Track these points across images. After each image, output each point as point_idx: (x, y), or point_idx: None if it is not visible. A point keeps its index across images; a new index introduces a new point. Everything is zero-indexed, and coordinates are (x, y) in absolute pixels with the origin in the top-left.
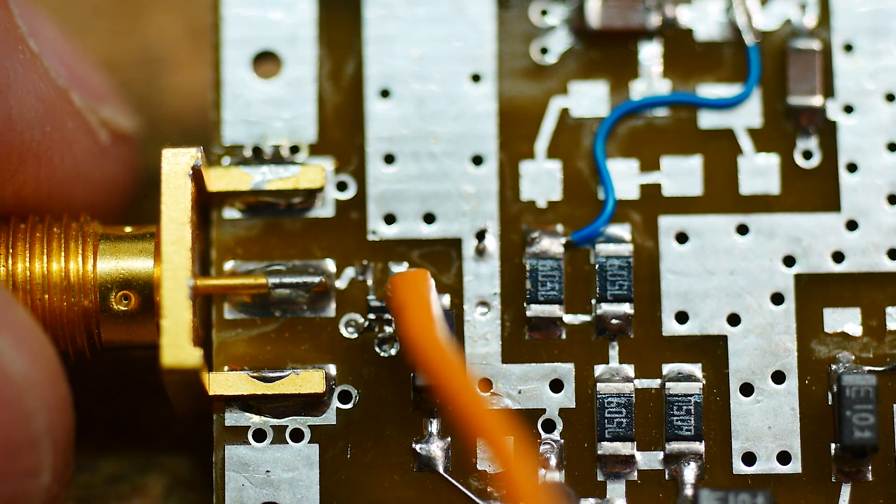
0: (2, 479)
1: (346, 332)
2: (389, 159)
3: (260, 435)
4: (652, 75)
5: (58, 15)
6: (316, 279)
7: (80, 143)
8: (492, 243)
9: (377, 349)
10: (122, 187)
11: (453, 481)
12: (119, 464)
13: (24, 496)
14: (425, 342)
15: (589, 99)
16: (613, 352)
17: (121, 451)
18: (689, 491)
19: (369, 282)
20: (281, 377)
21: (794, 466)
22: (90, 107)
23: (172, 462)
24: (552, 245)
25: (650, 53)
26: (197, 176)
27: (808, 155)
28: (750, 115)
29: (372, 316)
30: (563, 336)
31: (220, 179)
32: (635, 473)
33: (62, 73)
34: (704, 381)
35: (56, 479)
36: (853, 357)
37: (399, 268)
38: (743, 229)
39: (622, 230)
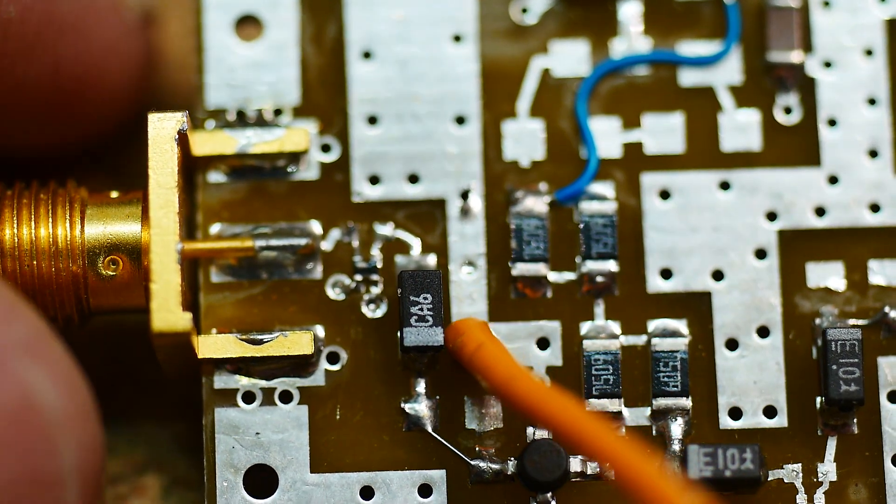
0: None
1: (333, 294)
2: (373, 121)
3: (249, 397)
4: (632, 34)
5: None
6: (302, 241)
7: (113, 20)
8: (476, 203)
9: (364, 310)
10: (148, 69)
11: (442, 440)
12: (117, 464)
13: None
14: (516, 375)
15: (570, 58)
16: (599, 309)
17: (119, 451)
18: (677, 446)
19: (355, 243)
20: (269, 339)
21: (781, 420)
22: None
23: (171, 462)
24: (536, 204)
25: (630, 12)
26: (183, 140)
27: (788, 111)
28: (730, 72)
29: (359, 277)
30: (549, 294)
31: (205, 143)
32: (623, 430)
33: None
34: (690, 337)
35: None
36: (837, 311)
37: (384, 228)
38: (725, 185)
39: (605, 188)
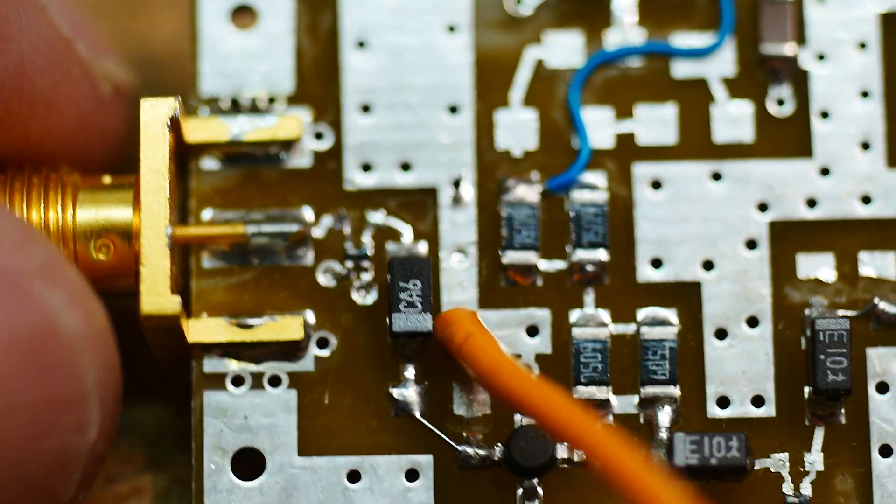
0: (51, 433)
1: (324, 280)
2: (366, 110)
3: (238, 381)
4: (625, 25)
5: None
6: (294, 227)
7: (86, 94)
8: (468, 192)
9: (355, 296)
10: (122, 140)
11: (430, 426)
12: (117, 463)
13: (71, 451)
14: (501, 366)
15: (563, 49)
16: (589, 298)
17: (119, 451)
18: (664, 434)
19: (346, 230)
20: (259, 324)
21: (768, 410)
22: (93, 58)
23: (171, 462)
24: (528, 193)
25: (624, 3)
26: (175, 126)
27: (780, 103)
28: (723, 63)
29: (350, 264)
30: (539, 282)
31: (199, 130)
32: (611, 417)
33: (66, 23)
34: (679, 327)
35: (101, 437)
36: (826, 302)
37: (376, 216)
38: (717, 176)
39: (597, 178)
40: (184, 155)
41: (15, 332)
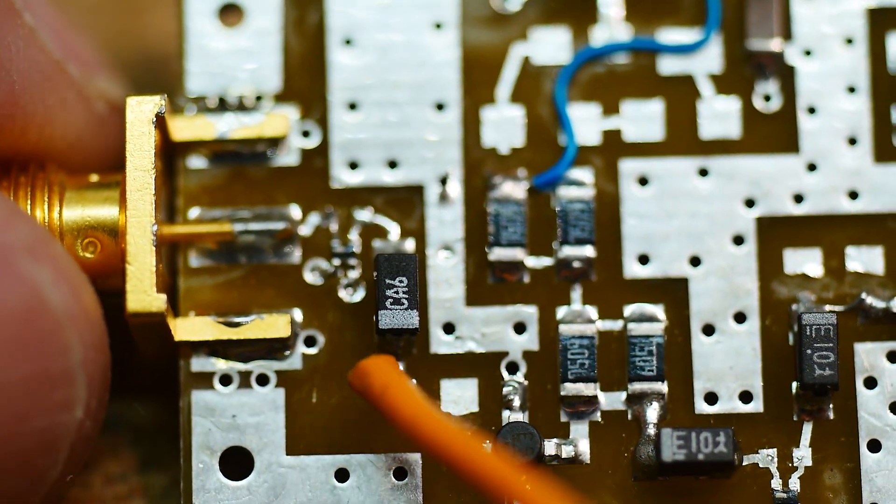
0: (37, 410)
1: (311, 278)
2: (353, 107)
3: (226, 380)
4: (612, 21)
5: None
6: (281, 225)
7: (79, 115)
8: (455, 189)
9: (342, 294)
10: (118, 156)
11: None
12: (117, 464)
13: (59, 429)
14: (421, 417)
15: (550, 46)
16: (576, 294)
17: (119, 451)
18: (651, 430)
19: (333, 228)
20: (246, 322)
21: (756, 405)
22: (86, 78)
23: (170, 462)
24: (514, 190)
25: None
26: (161, 123)
27: (767, 98)
28: (710, 59)
29: (337, 262)
30: (526, 279)
31: (185, 129)
32: (598, 414)
33: (57, 45)
34: (666, 323)
35: (88, 415)
36: (813, 297)
37: (363, 214)
38: (704, 172)
39: (584, 174)
40: (171, 153)
41: (1, 308)
